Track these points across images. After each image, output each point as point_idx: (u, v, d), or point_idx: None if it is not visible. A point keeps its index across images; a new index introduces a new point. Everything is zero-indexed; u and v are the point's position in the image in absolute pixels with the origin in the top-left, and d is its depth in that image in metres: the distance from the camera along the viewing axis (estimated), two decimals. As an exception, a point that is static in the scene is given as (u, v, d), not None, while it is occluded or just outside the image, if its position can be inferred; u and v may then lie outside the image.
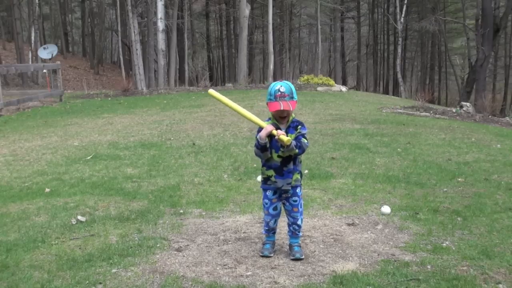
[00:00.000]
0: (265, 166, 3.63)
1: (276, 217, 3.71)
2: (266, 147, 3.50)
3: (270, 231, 3.76)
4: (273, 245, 3.78)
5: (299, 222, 3.70)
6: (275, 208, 3.68)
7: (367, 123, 10.08)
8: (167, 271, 3.44)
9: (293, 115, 3.61)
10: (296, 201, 3.66)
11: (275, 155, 3.55)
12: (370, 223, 4.40)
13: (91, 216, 4.66)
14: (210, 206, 4.98)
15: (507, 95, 33.02)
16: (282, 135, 3.37)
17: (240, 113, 3.60)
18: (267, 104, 3.54)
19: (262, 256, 3.66)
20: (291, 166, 3.57)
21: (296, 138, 3.49)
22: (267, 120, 3.60)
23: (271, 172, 3.59)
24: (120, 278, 3.34)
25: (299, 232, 3.74)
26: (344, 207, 4.88)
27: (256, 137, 3.52)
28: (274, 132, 3.41)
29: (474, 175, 6.04)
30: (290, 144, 3.39)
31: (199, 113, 11.73)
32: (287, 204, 3.68)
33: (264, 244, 3.77)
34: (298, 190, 3.67)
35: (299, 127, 3.55)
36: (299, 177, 3.66)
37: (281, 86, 3.47)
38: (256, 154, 3.58)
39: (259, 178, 3.80)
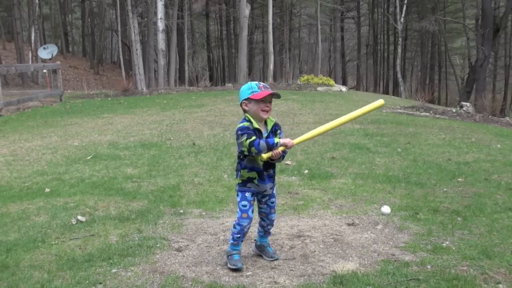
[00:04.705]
0: (246, 169, 3.40)
1: (251, 221, 3.49)
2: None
3: (241, 238, 3.52)
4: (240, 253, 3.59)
5: (274, 222, 3.67)
6: (253, 211, 3.51)
7: (367, 123, 10.08)
8: (167, 271, 3.44)
9: (274, 119, 3.49)
10: (273, 202, 3.57)
11: (258, 159, 3.37)
12: (370, 223, 4.40)
13: (91, 216, 4.66)
14: (210, 206, 4.97)
15: (507, 95, 33.06)
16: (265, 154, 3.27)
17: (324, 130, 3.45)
18: (246, 100, 3.34)
19: (235, 270, 3.41)
20: (271, 171, 3.49)
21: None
22: (243, 121, 3.35)
23: (254, 175, 3.41)
24: (120, 278, 3.34)
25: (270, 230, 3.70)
26: (344, 207, 4.88)
27: (264, 141, 3.25)
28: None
29: (474, 175, 6.04)
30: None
31: (199, 113, 11.74)
32: (265, 206, 3.55)
33: (232, 255, 3.50)
34: (274, 190, 3.59)
35: (278, 131, 3.46)
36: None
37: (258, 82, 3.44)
38: (259, 151, 3.24)
39: None
